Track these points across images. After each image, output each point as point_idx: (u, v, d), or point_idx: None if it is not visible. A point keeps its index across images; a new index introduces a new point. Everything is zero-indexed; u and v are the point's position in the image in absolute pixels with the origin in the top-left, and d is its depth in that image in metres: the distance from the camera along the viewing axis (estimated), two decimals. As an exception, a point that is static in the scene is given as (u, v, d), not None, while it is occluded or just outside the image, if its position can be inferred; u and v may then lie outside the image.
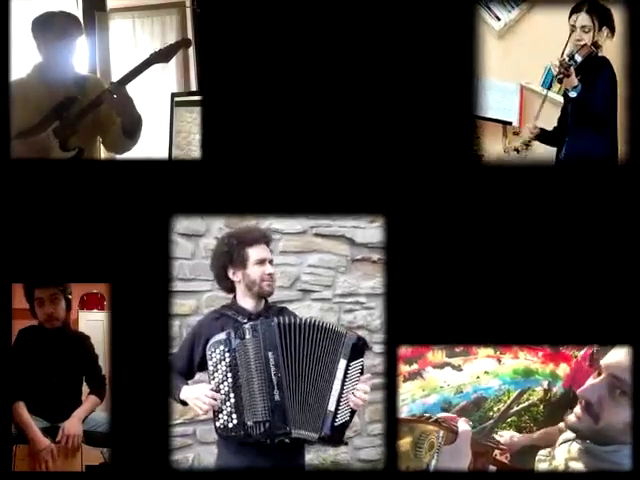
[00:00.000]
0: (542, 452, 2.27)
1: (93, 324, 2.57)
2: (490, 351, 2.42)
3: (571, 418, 2.21)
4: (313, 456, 2.70)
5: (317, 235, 2.85)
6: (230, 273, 2.23)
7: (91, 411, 2.49)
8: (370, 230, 2.78)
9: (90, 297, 2.62)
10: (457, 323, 2.41)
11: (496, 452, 2.28)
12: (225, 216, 2.52)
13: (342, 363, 2.16)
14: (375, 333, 2.81)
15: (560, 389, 2.39)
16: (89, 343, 2.52)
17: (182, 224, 2.40)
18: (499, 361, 2.42)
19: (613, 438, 2.18)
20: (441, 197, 2.44)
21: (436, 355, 2.42)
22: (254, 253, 2.21)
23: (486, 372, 2.41)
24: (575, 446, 2.21)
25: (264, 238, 2.25)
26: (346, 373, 2.16)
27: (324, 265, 2.88)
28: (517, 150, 3.16)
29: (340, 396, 2.14)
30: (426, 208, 2.43)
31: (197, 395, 2.14)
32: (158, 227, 2.41)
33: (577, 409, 2.19)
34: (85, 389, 2.54)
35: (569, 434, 2.23)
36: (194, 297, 2.73)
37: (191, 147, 2.82)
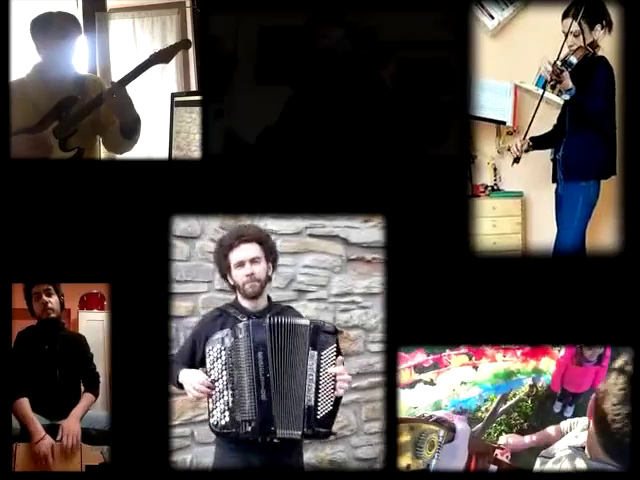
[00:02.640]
0: (542, 452, 2.27)
1: (93, 324, 2.57)
2: (464, 359, 2.34)
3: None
4: (311, 455, 2.70)
5: (312, 236, 2.84)
6: (228, 278, 2.27)
7: (87, 408, 2.49)
8: (364, 230, 2.78)
9: (90, 297, 2.62)
10: (457, 323, 2.41)
11: (497, 452, 2.28)
12: (224, 216, 2.52)
13: (314, 354, 2.17)
14: (371, 332, 2.83)
15: (547, 381, 2.34)
16: (84, 342, 2.52)
17: (179, 226, 2.38)
18: (475, 368, 2.34)
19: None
20: (440, 198, 2.44)
21: (405, 374, 2.34)
22: (232, 258, 2.22)
23: (463, 382, 2.34)
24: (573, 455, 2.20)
25: (240, 239, 2.23)
26: (319, 363, 2.17)
27: (319, 265, 2.88)
28: (510, 150, 3.17)
29: (318, 388, 2.15)
30: (425, 208, 2.43)
31: (192, 380, 2.15)
32: (158, 227, 2.41)
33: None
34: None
35: (570, 439, 2.23)
36: (191, 299, 2.72)
37: (191, 147, 2.83)
